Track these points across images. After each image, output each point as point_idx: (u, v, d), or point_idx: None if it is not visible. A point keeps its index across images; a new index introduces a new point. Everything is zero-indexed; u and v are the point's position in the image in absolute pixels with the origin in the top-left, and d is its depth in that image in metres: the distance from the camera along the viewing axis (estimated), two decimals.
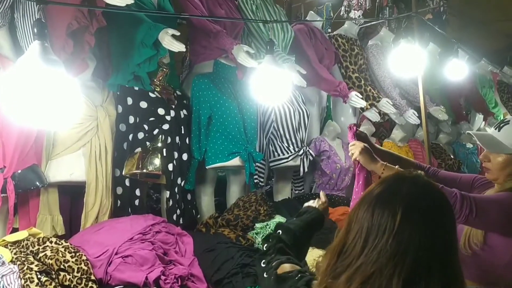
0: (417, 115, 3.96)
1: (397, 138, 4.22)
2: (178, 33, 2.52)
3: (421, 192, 1.04)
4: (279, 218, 2.81)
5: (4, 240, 2.03)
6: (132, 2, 2.26)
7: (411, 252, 0.97)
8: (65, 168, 2.42)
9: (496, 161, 1.76)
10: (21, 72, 1.49)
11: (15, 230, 2.32)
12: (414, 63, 3.16)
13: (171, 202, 2.77)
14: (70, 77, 2.27)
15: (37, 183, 2.28)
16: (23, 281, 1.76)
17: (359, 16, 8.07)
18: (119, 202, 2.63)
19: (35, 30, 1.56)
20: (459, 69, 4.15)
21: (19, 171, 2.22)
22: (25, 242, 2.03)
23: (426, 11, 7.34)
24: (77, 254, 2.00)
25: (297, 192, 3.74)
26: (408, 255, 0.96)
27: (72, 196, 2.66)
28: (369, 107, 3.68)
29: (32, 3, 2.22)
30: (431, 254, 0.98)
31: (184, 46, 2.52)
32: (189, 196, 2.98)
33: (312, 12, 4.05)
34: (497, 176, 1.79)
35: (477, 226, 1.70)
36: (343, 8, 8.11)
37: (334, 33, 4.05)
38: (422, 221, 1.00)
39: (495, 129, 1.80)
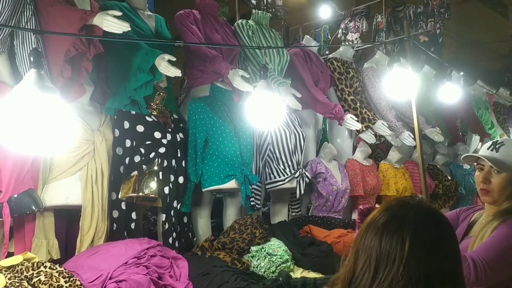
0: (412, 136, 3.99)
1: (393, 159, 4.24)
2: (174, 59, 2.58)
3: (427, 218, 1.04)
4: (274, 241, 2.81)
5: None
6: (129, 29, 2.32)
7: (423, 279, 0.97)
8: (61, 192, 2.44)
9: (498, 181, 1.75)
10: (17, 99, 1.52)
11: (10, 254, 2.32)
12: (407, 86, 3.20)
13: (167, 225, 2.78)
14: (66, 103, 2.32)
15: (33, 207, 2.29)
16: None
17: (356, 38, 8.21)
18: (115, 225, 2.64)
19: (31, 58, 1.60)
20: (452, 92, 4.20)
21: (15, 196, 2.23)
22: (20, 267, 2.03)
23: (423, 33, 7.49)
24: (71, 279, 2.00)
25: (294, 214, 3.74)
26: (420, 282, 0.96)
27: (68, 219, 2.67)
28: (364, 129, 3.72)
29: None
30: (442, 279, 0.98)
31: (180, 71, 2.57)
32: (185, 219, 2.99)
33: (308, 37, 4.11)
34: (497, 197, 1.78)
35: (491, 282, 1.69)
36: (340, 30, 8.29)
37: (330, 56, 4.11)
38: (431, 247, 1.00)
39: (492, 150, 1.81)
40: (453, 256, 1.03)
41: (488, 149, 1.83)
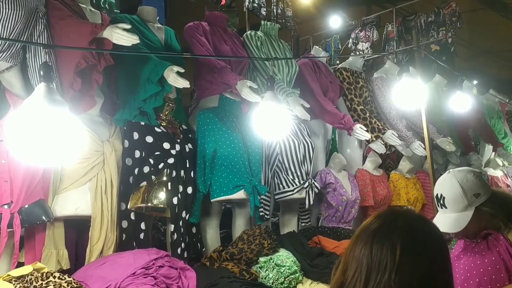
0: (423, 146, 3.95)
1: (404, 169, 4.21)
2: (182, 70, 2.61)
3: (416, 225, 1.06)
4: (283, 252, 2.80)
5: (9, 275, 2.05)
6: (138, 41, 2.35)
7: (415, 285, 0.97)
8: (71, 202, 2.47)
9: (471, 226, 1.73)
10: (27, 112, 1.55)
11: (21, 264, 2.35)
12: (416, 96, 3.19)
13: (175, 236, 2.79)
14: (75, 115, 2.37)
15: (43, 217, 2.32)
16: None
17: (367, 48, 8.20)
18: (124, 235, 2.65)
19: (41, 72, 1.63)
20: (464, 101, 4.16)
21: (26, 206, 2.26)
22: (29, 277, 2.05)
23: (434, 42, 7.45)
24: None
25: (303, 224, 3.72)
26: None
27: (78, 230, 2.70)
28: (374, 139, 3.70)
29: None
30: (433, 284, 0.99)
31: (188, 82, 2.59)
32: (194, 230, 3.00)
33: (316, 47, 4.12)
34: (475, 232, 1.76)
35: None
36: (351, 40, 8.29)
37: (339, 66, 4.11)
38: (421, 253, 1.01)
39: (441, 208, 1.79)
40: (443, 262, 1.04)
41: (440, 209, 1.81)
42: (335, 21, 8.19)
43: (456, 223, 1.74)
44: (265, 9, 5.45)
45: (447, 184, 1.78)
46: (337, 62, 6.66)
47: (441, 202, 1.78)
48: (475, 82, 5.14)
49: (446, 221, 1.76)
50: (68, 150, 1.62)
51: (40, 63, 2.35)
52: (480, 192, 1.73)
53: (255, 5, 5.30)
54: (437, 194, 1.81)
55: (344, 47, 8.15)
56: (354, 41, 8.23)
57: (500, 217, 1.74)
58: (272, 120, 2.45)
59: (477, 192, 1.73)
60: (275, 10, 5.69)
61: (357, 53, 7.29)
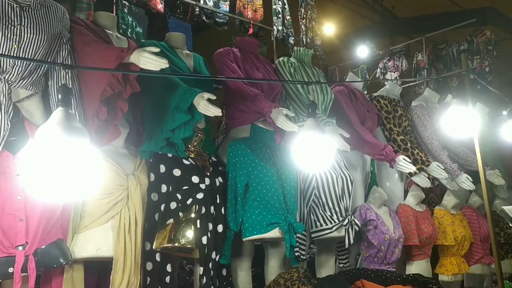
0: (471, 179, 3.64)
1: (449, 205, 3.87)
2: (214, 97, 2.42)
3: None
4: None
5: None
6: (167, 66, 2.19)
7: None
8: (92, 242, 2.26)
9: None
10: (42, 141, 1.35)
11: None
12: (468, 123, 2.92)
13: (204, 279, 2.53)
14: (97, 148, 2.18)
15: (61, 260, 2.11)
16: None
17: (396, 77, 7.98)
18: (148, 279, 2.42)
19: (59, 96, 1.45)
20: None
21: (43, 247, 2.06)
22: None
23: (470, 70, 7.19)
24: None
25: (341, 265, 3.41)
26: None
27: (99, 272, 2.48)
28: (417, 171, 3.41)
29: (65, 70, 2.16)
30: None
31: (220, 110, 2.40)
32: (224, 271, 2.73)
33: (352, 74, 3.91)
34: None
35: None
36: (379, 70, 8.10)
37: (376, 94, 3.87)
38: None
39: None
40: None
41: None
42: (362, 51, 8.06)
43: None
44: (293, 38, 5.30)
45: None
46: (365, 91, 6.46)
47: None
48: None
49: None
50: (86, 184, 1.40)
51: None
52: None
53: (284, 34, 5.16)
54: None
55: (372, 77, 7.96)
56: (382, 71, 8.04)
57: None
58: (313, 151, 2.21)
59: None
60: (304, 39, 5.53)
61: (396, 81, 7.07)
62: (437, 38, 7.84)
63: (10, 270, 1.94)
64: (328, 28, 8.16)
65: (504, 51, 7.86)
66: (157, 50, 2.17)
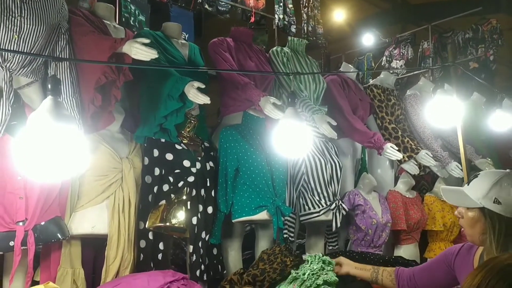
0: (460, 167, 3.73)
1: (440, 192, 3.97)
2: (203, 86, 2.54)
3: None
4: None
5: None
6: (157, 56, 2.31)
7: None
8: (88, 220, 2.42)
9: (467, 217, 1.71)
10: (33, 127, 1.50)
11: (36, 283, 2.30)
12: (452, 114, 3.00)
13: (194, 257, 2.69)
14: (90, 130, 2.33)
15: (59, 235, 2.27)
16: None
17: (401, 65, 7.99)
18: (142, 256, 2.57)
19: (49, 85, 1.59)
20: (504, 120, 3.91)
21: (41, 223, 2.22)
22: None
23: (472, 59, 7.18)
24: None
25: (330, 248, 3.54)
26: None
27: (96, 249, 2.64)
28: (407, 159, 3.51)
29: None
30: None
31: (208, 98, 2.52)
32: (215, 251, 2.88)
33: (345, 63, 3.99)
34: (472, 236, 1.72)
35: None
36: (384, 58, 8.11)
37: (369, 83, 3.96)
38: None
39: (467, 184, 1.76)
40: None
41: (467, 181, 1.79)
42: (368, 39, 8.06)
43: (456, 196, 1.74)
44: (295, 27, 5.34)
45: (490, 174, 1.73)
46: (370, 80, 6.50)
47: (472, 178, 1.74)
48: None
49: (452, 190, 1.79)
50: (74, 164, 1.55)
51: (62, 78, 2.34)
52: (502, 202, 1.63)
53: (285, 22, 5.21)
54: (477, 173, 1.76)
55: (378, 65, 7.97)
56: (388, 58, 8.05)
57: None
58: (292, 137, 2.33)
59: (499, 199, 1.63)
60: (305, 28, 5.58)
61: (391, 71, 7.09)
62: (444, 26, 7.81)
63: (11, 243, 2.11)
64: (338, 15, 8.17)
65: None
66: (147, 41, 2.29)
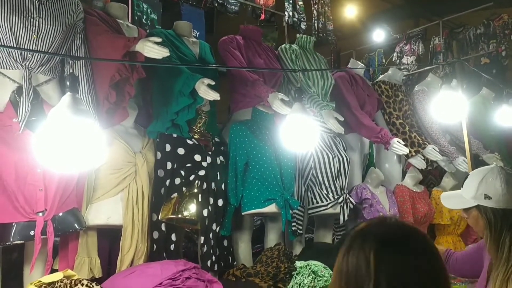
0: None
1: (447, 186, 4.01)
2: (213, 83, 2.63)
3: (391, 233, 1.01)
4: (319, 263, 2.69)
5: (40, 281, 2.11)
6: (168, 54, 2.40)
7: None
8: (103, 212, 2.52)
9: (469, 217, 1.80)
10: (53, 122, 1.61)
11: (55, 271, 2.41)
12: (456, 109, 3.04)
13: (205, 248, 2.78)
14: (108, 127, 2.43)
15: (76, 226, 2.38)
16: None
17: (412, 61, 7.98)
18: (155, 246, 2.67)
19: (67, 83, 1.69)
20: (510, 115, 3.93)
21: (60, 214, 2.33)
22: (59, 283, 2.09)
23: (484, 55, 7.15)
24: None
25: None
26: None
27: (111, 239, 2.75)
28: (414, 154, 3.56)
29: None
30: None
31: (218, 95, 2.61)
32: (225, 242, 2.98)
33: (353, 60, 4.05)
34: (479, 232, 1.82)
35: None
36: (395, 54, 8.10)
37: (377, 79, 4.01)
38: (399, 262, 0.96)
39: (462, 186, 1.85)
40: (429, 270, 0.97)
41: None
42: (379, 35, 8.04)
43: (454, 200, 1.84)
44: (305, 24, 5.40)
45: (477, 172, 1.81)
46: (381, 75, 6.52)
47: (464, 181, 1.83)
48: None
49: (449, 195, 1.92)
50: (91, 156, 1.66)
51: (79, 75, 2.45)
52: (492, 197, 1.71)
53: (295, 19, 5.27)
54: (468, 174, 1.86)
55: (388, 61, 7.97)
56: (399, 54, 8.03)
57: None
58: (299, 132, 2.41)
59: (489, 195, 1.72)
60: (315, 24, 5.64)
61: (402, 67, 7.10)
62: (456, 21, 7.77)
63: (32, 233, 2.22)
64: (350, 11, 8.17)
65: None
66: (159, 40, 2.38)
